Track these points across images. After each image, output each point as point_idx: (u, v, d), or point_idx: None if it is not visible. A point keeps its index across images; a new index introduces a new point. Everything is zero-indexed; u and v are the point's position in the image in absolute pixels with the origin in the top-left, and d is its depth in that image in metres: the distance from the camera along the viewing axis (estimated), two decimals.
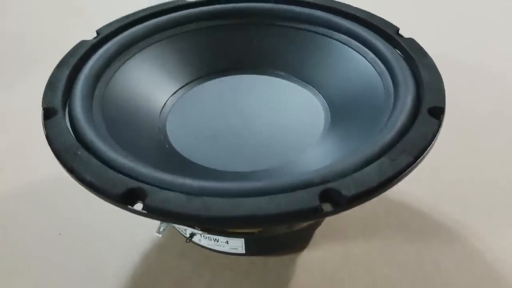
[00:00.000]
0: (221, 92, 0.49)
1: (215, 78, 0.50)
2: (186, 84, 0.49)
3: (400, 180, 0.33)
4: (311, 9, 0.51)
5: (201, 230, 0.41)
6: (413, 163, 0.34)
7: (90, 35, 0.47)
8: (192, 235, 0.43)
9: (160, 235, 0.41)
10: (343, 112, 0.45)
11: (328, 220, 0.50)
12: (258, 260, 0.48)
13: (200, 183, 0.32)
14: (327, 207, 0.31)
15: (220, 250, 0.46)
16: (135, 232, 0.49)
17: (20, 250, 0.49)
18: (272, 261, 0.48)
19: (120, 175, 0.33)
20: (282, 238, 0.47)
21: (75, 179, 0.33)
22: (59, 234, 0.50)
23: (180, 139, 0.44)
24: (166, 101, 0.48)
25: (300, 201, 0.31)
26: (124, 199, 0.32)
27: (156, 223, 0.41)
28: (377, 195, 0.33)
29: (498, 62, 0.76)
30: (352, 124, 0.43)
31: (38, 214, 0.52)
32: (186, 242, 0.43)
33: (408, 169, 0.33)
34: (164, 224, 0.43)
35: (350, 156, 0.35)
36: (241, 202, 0.30)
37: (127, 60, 0.47)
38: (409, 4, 0.96)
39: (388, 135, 0.36)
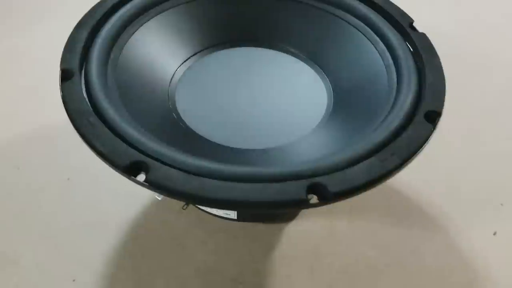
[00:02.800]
0: (231, 63, 0.50)
1: (226, 48, 0.51)
2: (198, 52, 0.51)
3: (385, 180, 0.36)
4: None
5: None
6: (401, 166, 0.36)
7: None
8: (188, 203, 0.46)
9: (160, 198, 0.45)
10: (346, 100, 0.47)
11: None
12: (248, 226, 0.51)
13: (199, 163, 0.35)
14: (313, 199, 0.34)
15: (214, 213, 0.49)
16: (138, 187, 0.52)
17: (31, 191, 0.53)
18: (261, 228, 0.51)
19: (127, 147, 0.35)
20: None
21: (86, 144, 0.36)
22: (68, 179, 0.54)
23: (188, 109, 0.46)
24: (177, 68, 0.49)
25: (288, 192, 0.33)
26: (128, 171, 0.34)
27: None
28: (362, 193, 0.36)
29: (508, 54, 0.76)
30: (352, 114, 0.45)
31: (50, 158, 0.56)
32: (182, 208, 0.47)
33: (395, 171, 0.36)
34: None
35: (342, 152, 0.37)
36: (235, 187, 0.33)
37: (143, 24, 0.48)
38: None
39: (381, 135, 0.38)
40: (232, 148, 0.44)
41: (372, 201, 0.54)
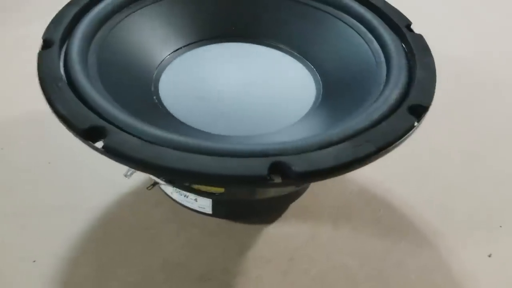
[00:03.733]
0: (220, 56, 0.49)
1: (218, 42, 0.50)
2: (189, 44, 0.50)
3: (357, 167, 0.33)
4: None
5: (164, 181, 0.42)
6: (374, 154, 0.33)
7: None
8: (154, 183, 0.44)
9: (128, 178, 0.43)
10: (334, 94, 0.45)
11: (303, 199, 0.50)
12: (225, 224, 0.49)
13: (158, 132, 0.33)
14: (277, 178, 0.32)
15: (189, 206, 0.47)
16: (118, 174, 0.51)
17: (9, 171, 0.52)
18: (238, 227, 0.49)
19: (89, 112, 0.34)
20: (249, 206, 0.47)
21: (51, 109, 0.35)
22: (49, 163, 0.53)
23: (170, 94, 0.45)
24: (166, 57, 0.48)
25: (249, 168, 0.31)
26: (87, 135, 0.33)
27: None
28: (330, 177, 0.33)
29: None
30: (339, 107, 0.43)
31: (35, 142, 0.55)
32: (147, 189, 0.45)
33: (368, 158, 0.33)
34: None
35: (315, 136, 0.35)
36: (190, 157, 0.31)
37: (136, 10, 0.48)
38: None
39: (360, 123, 0.36)
40: (209, 134, 0.42)
41: (361, 210, 0.51)
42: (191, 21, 0.50)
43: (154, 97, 0.45)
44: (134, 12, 0.48)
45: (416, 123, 0.36)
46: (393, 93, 0.39)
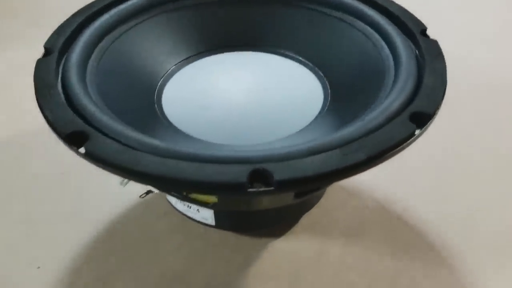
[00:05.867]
0: (227, 65, 0.49)
1: (225, 51, 0.50)
2: (196, 54, 0.49)
3: (345, 177, 0.31)
4: None
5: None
6: (365, 163, 0.31)
7: None
8: (148, 192, 0.44)
9: (123, 186, 0.43)
10: (342, 101, 0.43)
11: (314, 212, 0.48)
12: (231, 236, 0.47)
13: (139, 137, 0.33)
14: (258, 186, 0.30)
15: (192, 217, 0.46)
16: (129, 185, 0.51)
17: (26, 179, 0.53)
18: (244, 241, 0.47)
19: (75, 117, 0.34)
20: (253, 218, 0.46)
21: (42, 114, 0.36)
22: (62, 173, 0.54)
23: (173, 102, 0.45)
24: (172, 67, 0.48)
25: (226, 174, 0.30)
26: (70, 140, 0.33)
27: None
28: (315, 186, 0.31)
29: None
30: (345, 114, 0.41)
31: (50, 151, 0.56)
32: (140, 197, 0.44)
33: (357, 168, 0.31)
34: None
35: (306, 142, 0.33)
36: (168, 163, 0.30)
37: (143, 21, 0.48)
38: None
39: (355, 129, 0.33)
40: (207, 142, 0.41)
41: (375, 228, 0.48)
42: (199, 31, 0.50)
43: (156, 106, 0.44)
44: (139, 23, 0.47)
45: (417, 131, 0.34)
46: (395, 101, 0.36)
